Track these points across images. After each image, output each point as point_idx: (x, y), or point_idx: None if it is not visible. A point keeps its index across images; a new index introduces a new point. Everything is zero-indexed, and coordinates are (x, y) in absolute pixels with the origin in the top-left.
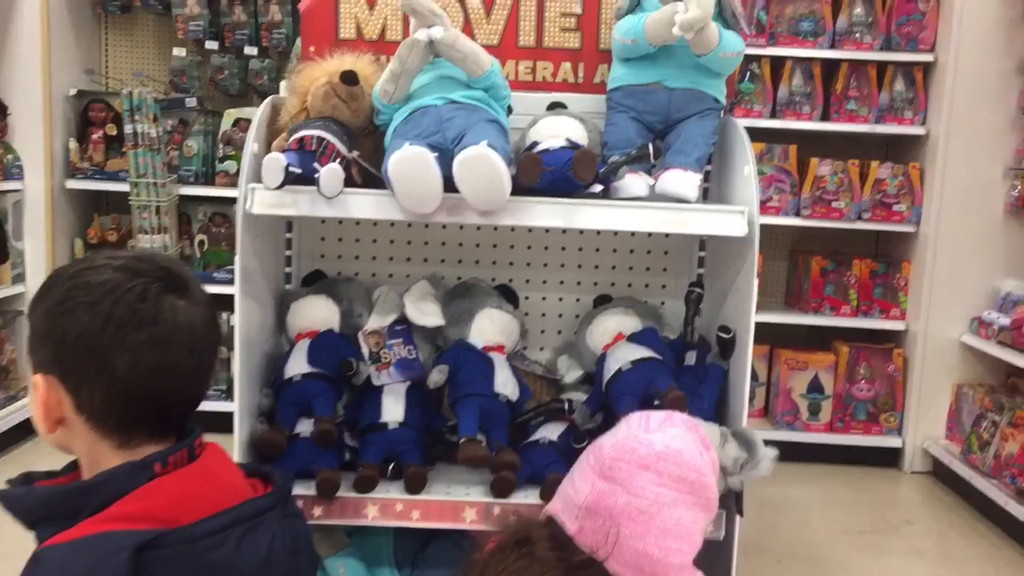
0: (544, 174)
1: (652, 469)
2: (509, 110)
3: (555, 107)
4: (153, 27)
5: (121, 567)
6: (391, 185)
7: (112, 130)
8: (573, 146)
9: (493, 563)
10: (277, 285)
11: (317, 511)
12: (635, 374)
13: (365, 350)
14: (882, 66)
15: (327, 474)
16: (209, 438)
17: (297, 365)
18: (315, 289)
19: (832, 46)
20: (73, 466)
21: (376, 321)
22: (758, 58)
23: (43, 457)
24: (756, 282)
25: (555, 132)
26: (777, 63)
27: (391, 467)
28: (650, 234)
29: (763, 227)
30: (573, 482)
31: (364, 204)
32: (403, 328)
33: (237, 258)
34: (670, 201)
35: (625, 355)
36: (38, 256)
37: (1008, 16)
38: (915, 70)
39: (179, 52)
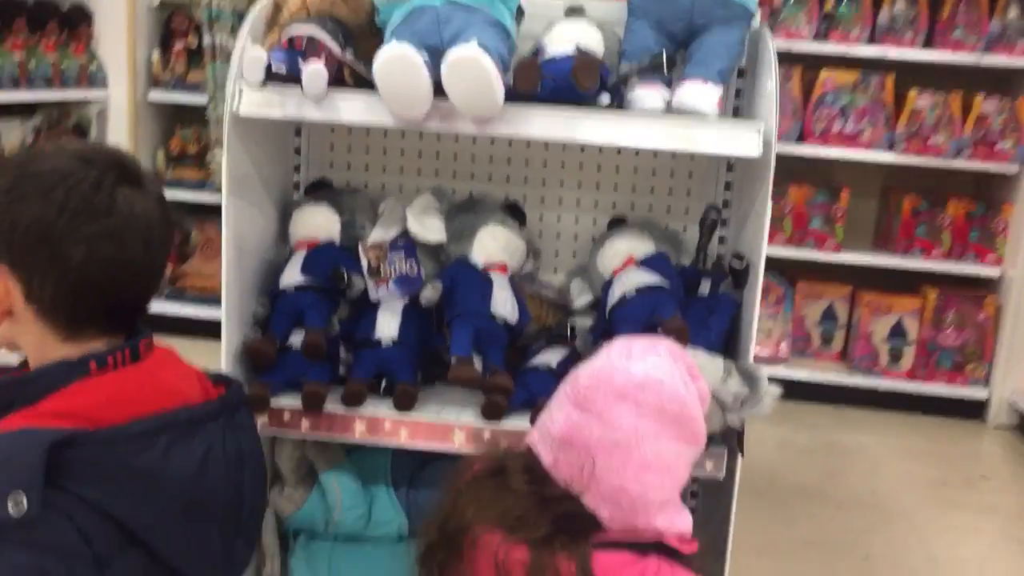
0: (545, 82)
1: (630, 399)
2: (520, 12)
3: (574, 13)
4: None
5: (34, 463)
6: (378, 87)
7: (193, 42)
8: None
9: (467, 493)
10: (283, 193)
11: (305, 424)
12: (639, 301)
13: (364, 263)
14: None
15: (313, 387)
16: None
17: (292, 275)
18: (316, 198)
19: None
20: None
21: (378, 234)
22: None
23: None
24: (769, 206)
25: (567, 38)
26: None
27: (383, 385)
28: (674, 154)
29: (851, 163)
30: (550, 412)
31: (354, 107)
32: (406, 243)
33: (224, 161)
34: (687, 115)
35: (631, 281)
36: None
37: None
38: None
39: None
